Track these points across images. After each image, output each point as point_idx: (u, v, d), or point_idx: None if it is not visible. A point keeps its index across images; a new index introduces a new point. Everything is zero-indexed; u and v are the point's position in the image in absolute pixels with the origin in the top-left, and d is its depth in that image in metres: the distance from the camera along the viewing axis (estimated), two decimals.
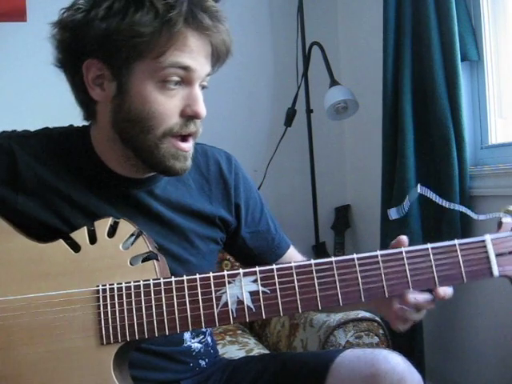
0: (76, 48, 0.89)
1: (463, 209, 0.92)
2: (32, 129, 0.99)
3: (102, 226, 0.85)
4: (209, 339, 1.08)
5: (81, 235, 0.84)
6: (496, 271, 0.83)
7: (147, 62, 0.86)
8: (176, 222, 0.98)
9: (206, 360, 1.06)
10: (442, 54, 1.69)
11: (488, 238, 0.83)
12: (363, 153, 2.40)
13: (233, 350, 1.69)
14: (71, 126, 1.01)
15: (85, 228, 0.85)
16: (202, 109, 0.89)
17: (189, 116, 0.89)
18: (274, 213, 1.13)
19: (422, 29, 1.73)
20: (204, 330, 1.07)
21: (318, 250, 2.33)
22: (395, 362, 0.88)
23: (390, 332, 1.50)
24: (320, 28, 2.41)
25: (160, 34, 0.85)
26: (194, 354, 1.04)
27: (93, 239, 0.84)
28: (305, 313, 1.61)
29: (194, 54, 0.88)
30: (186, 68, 0.87)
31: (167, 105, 0.88)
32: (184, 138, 0.91)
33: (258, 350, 1.70)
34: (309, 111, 2.24)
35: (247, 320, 0.81)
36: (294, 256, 1.12)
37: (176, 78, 0.88)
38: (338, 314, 1.50)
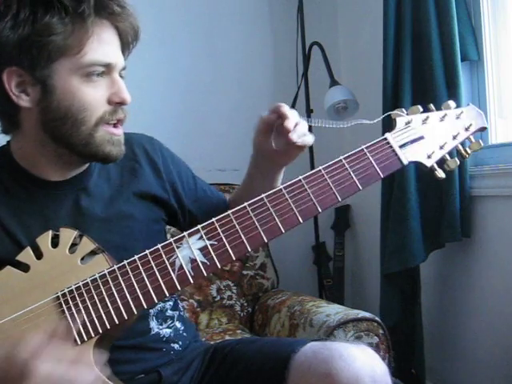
0: None
1: (356, 122, 1.01)
2: None
3: (44, 240, 0.87)
4: (178, 324, 1.09)
5: (26, 255, 0.86)
6: (405, 160, 0.92)
7: (69, 60, 0.89)
8: (112, 212, 1.01)
9: (180, 343, 1.07)
10: (442, 54, 1.69)
11: (388, 135, 0.93)
12: None
13: None
14: None
15: (28, 248, 0.86)
16: (127, 95, 0.95)
17: (116, 103, 0.94)
18: None
19: (421, 29, 1.73)
20: (171, 314, 1.08)
21: (318, 250, 2.33)
22: (352, 358, 0.84)
23: (390, 332, 1.50)
24: (320, 28, 2.40)
25: (74, 29, 0.88)
26: (164, 339, 1.04)
27: (39, 255, 0.85)
28: (305, 313, 1.61)
29: (110, 46, 0.93)
30: (107, 65, 0.92)
31: (95, 95, 0.92)
32: (114, 125, 0.96)
33: None
34: (309, 111, 2.23)
35: (205, 275, 0.84)
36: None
37: (99, 71, 0.92)
38: (337, 314, 1.50)
